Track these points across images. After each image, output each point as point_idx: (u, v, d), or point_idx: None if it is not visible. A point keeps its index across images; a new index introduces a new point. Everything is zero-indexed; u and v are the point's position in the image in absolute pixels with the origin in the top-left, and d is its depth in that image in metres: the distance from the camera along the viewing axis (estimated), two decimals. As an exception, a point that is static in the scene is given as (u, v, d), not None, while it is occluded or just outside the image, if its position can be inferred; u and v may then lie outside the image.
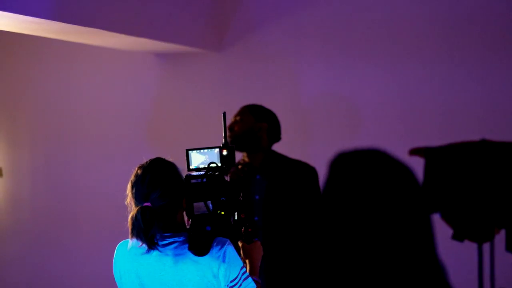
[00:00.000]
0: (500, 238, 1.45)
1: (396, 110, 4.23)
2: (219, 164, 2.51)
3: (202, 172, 2.48)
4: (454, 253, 1.51)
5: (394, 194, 1.31)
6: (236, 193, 2.50)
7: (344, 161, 1.35)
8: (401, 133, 4.16)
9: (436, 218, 1.41)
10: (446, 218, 1.38)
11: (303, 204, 3.33)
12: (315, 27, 4.41)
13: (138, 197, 2.39)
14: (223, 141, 2.56)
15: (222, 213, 2.44)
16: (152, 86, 4.85)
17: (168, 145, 4.83)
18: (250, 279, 2.42)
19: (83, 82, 5.03)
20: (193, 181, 2.44)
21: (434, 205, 1.38)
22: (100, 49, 4.78)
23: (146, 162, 2.45)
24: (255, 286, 2.42)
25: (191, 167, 2.52)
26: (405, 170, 1.34)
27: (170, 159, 2.46)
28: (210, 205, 2.44)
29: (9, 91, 5.23)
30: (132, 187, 2.41)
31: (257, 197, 3.35)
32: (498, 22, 3.93)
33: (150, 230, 2.33)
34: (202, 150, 2.52)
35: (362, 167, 1.34)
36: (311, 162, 3.46)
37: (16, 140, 5.16)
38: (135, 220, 2.34)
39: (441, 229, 1.40)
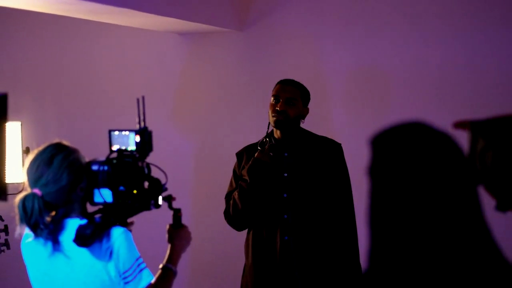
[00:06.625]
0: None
1: (425, 84, 4.23)
2: (133, 149, 2.28)
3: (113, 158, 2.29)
4: (498, 226, 1.55)
5: (441, 167, 1.34)
6: (140, 182, 2.26)
7: (387, 138, 1.39)
8: (431, 109, 4.16)
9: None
10: (490, 189, 1.42)
11: (330, 180, 3.36)
12: (337, 5, 4.41)
13: (29, 182, 2.28)
14: (138, 126, 2.30)
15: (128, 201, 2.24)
16: (176, 66, 4.87)
17: (192, 125, 4.86)
18: (146, 271, 2.30)
19: (108, 62, 5.05)
20: (93, 168, 2.29)
21: (479, 176, 1.41)
22: (125, 29, 4.80)
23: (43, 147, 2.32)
24: (151, 279, 2.29)
25: (112, 149, 2.32)
26: (450, 142, 1.37)
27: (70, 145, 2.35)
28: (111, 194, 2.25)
29: (35, 73, 5.26)
30: (27, 172, 2.29)
31: (285, 174, 3.38)
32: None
33: (32, 217, 2.22)
34: (123, 132, 2.29)
35: (406, 142, 1.37)
36: (335, 139, 3.50)
37: (42, 121, 5.20)
38: (17, 207, 2.25)
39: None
